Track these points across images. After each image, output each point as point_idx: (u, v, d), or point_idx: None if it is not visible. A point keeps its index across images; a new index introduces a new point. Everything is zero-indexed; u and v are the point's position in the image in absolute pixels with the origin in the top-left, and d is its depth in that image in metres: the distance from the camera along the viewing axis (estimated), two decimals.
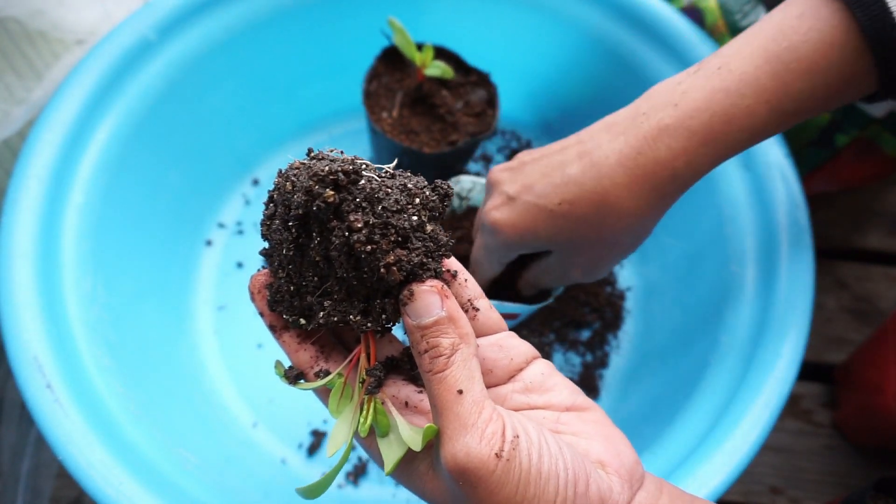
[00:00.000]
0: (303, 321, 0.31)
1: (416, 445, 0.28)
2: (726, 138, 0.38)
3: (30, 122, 0.55)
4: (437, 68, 0.53)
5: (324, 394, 0.33)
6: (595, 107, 0.62)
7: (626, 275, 0.62)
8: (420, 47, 0.53)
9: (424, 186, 0.29)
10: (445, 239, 0.30)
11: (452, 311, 0.29)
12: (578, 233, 0.40)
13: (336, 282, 0.29)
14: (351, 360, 0.31)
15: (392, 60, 0.57)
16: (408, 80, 0.56)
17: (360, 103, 0.55)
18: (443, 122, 0.54)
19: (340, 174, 0.28)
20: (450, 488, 0.28)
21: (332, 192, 0.27)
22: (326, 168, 0.27)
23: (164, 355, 0.54)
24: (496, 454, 0.27)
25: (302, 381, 0.32)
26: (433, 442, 0.28)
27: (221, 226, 0.63)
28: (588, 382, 0.58)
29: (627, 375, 0.58)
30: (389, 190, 0.28)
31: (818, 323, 0.65)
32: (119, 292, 0.51)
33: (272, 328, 0.34)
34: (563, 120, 0.66)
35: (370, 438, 0.31)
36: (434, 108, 0.55)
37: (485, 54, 0.59)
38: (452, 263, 0.32)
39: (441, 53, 0.56)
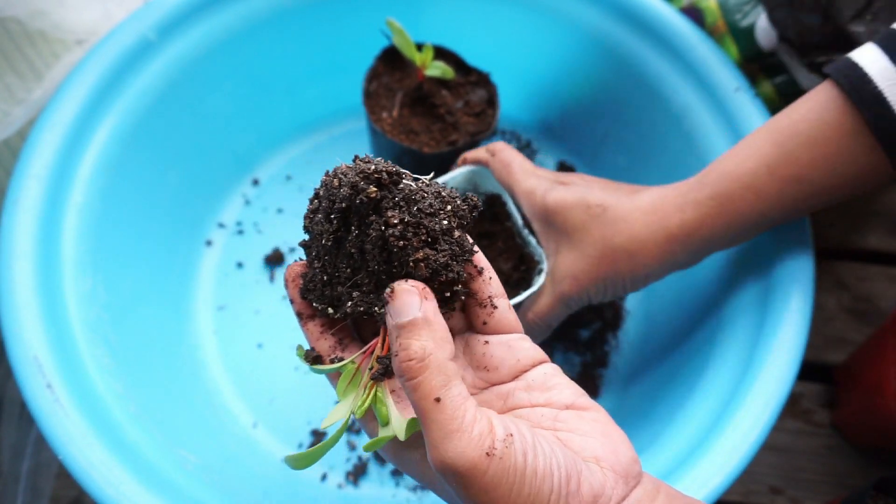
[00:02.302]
0: (330, 310, 0.33)
1: (401, 435, 0.29)
2: (731, 194, 0.42)
3: (30, 122, 0.55)
4: (437, 68, 0.53)
5: (335, 379, 0.34)
6: (595, 107, 0.62)
7: None
8: (420, 47, 0.53)
9: (456, 196, 0.32)
10: (470, 245, 0.32)
11: (429, 314, 0.29)
12: (593, 237, 0.44)
13: (366, 274, 0.32)
14: (366, 351, 0.32)
15: (392, 60, 0.57)
16: (408, 80, 0.56)
17: (360, 103, 0.55)
18: (443, 122, 0.54)
19: (384, 174, 0.30)
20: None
21: (374, 189, 0.30)
22: (372, 167, 0.30)
23: (164, 355, 0.54)
24: (487, 454, 0.27)
25: (319, 364, 0.34)
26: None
27: (221, 226, 0.63)
28: (588, 382, 0.58)
29: (627, 375, 0.58)
30: (425, 195, 0.31)
31: (818, 323, 0.65)
32: (119, 292, 0.51)
33: (299, 315, 0.36)
34: (562, 120, 0.66)
35: (372, 425, 0.32)
36: (434, 108, 0.55)
37: (485, 54, 0.59)
38: (480, 260, 0.33)
39: (441, 53, 0.56)
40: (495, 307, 0.33)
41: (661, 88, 0.56)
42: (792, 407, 0.63)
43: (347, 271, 0.32)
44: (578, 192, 0.45)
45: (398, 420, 0.30)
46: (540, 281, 0.47)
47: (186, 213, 0.60)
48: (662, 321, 0.58)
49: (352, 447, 0.55)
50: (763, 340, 0.46)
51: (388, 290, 0.29)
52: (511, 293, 0.48)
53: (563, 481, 0.27)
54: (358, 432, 0.55)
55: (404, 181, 0.31)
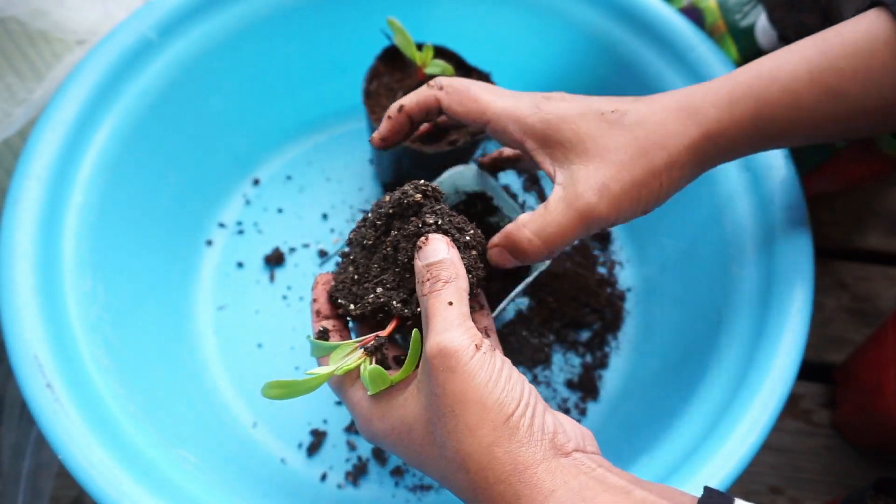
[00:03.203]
0: (352, 306, 0.38)
1: (374, 388, 0.34)
2: (769, 96, 0.39)
3: (30, 122, 0.55)
4: (437, 67, 0.53)
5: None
6: None
7: (627, 275, 0.62)
8: (420, 47, 0.53)
9: (476, 227, 0.39)
10: (481, 266, 0.38)
11: (454, 258, 0.35)
12: (619, 142, 0.38)
13: (393, 274, 0.37)
14: (365, 339, 0.36)
15: (392, 60, 0.57)
16: (408, 80, 0.56)
17: (360, 103, 0.55)
18: None
19: (430, 188, 0.38)
20: (421, 386, 0.33)
21: (420, 196, 0.37)
22: (421, 182, 0.38)
23: (164, 355, 0.54)
24: (476, 345, 0.31)
25: (325, 341, 0.38)
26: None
27: (222, 226, 0.63)
28: (588, 383, 0.58)
29: (627, 376, 0.58)
30: (456, 216, 0.38)
31: (818, 323, 0.65)
32: (119, 292, 0.51)
33: (317, 313, 0.40)
34: None
35: (345, 386, 0.37)
36: None
37: (485, 54, 0.59)
38: (482, 297, 0.40)
39: (441, 53, 0.56)
40: (487, 336, 0.37)
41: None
42: (792, 407, 0.63)
43: (377, 269, 0.38)
44: (581, 101, 0.40)
45: (368, 371, 0.34)
46: (543, 266, 0.46)
47: (187, 213, 0.60)
48: (662, 321, 0.58)
49: (352, 447, 0.55)
50: (763, 340, 0.46)
51: (422, 239, 0.35)
52: (499, 284, 0.48)
53: (532, 400, 0.31)
54: (358, 432, 0.55)
55: (443, 203, 0.38)
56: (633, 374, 0.58)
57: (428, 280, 0.34)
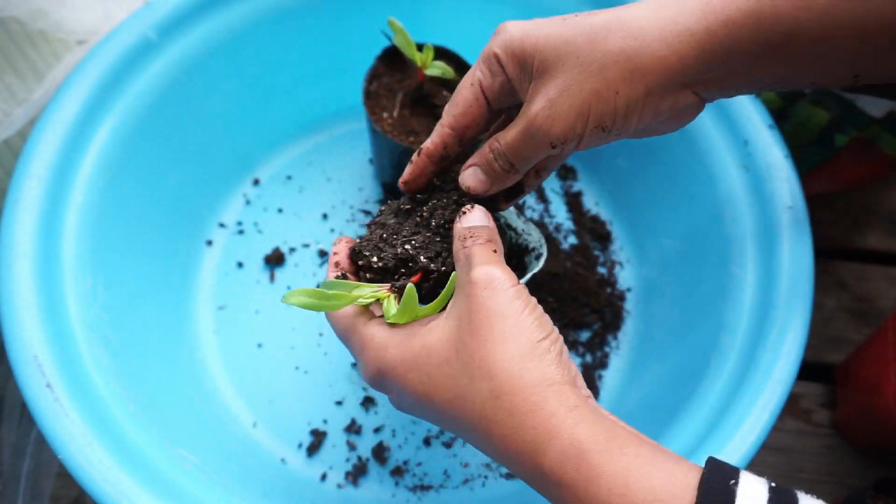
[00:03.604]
0: (374, 258, 0.39)
1: (400, 319, 0.35)
2: None
3: (31, 122, 0.55)
4: (437, 68, 0.53)
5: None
6: None
7: (626, 276, 0.62)
8: (420, 47, 0.53)
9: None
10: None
11: (494, 228, 0.37)
12: (574, 44, 0.34)
13: (423, 237, 0.39)
14: (389, 287, 0.37)
15: (392, 60, 0.57)
16: (408, 81, 0.56)
17: (360, 103, 0.55)
18: None
19: None
20: (451, 313, 0.34)
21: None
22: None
23: (164, 355, 0.54)
24: (512, 285, 0.33)
25: (345, 278, 0.39)
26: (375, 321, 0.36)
27: (222, 226, 0.63)
28: (588, 383, 0.58)
29: (627, 376, 0.58)
30: None
31: (818, 323, 0.66)
32: (119, 292, 0.51)
33: (335, 264, 0.40)
34: None
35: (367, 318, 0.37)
36: (435, 109, 0.55)
37: None
38: None
39: (441, 53, 0.56)
40: None
41: None
42: (792, 407, 0.63)
43: (407, 232, 0.39)
44: (552, 18, 0.36)
45: (393, 306, 0.36)
46: (538, 265, 0.44)
47: (187, 213, 0.60)
48: (662, 321, 0.58)
49: (352, 447, 0.55)
50: (763, 340, 0.46)
51: (467, 206, 0.38)
52: None
53: (560, 341, 0.33)
54: (358, 432, 0.55)
55: None
56: (633, 374, 0.58)
57: (469, 237, 0.35)
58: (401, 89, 0.56)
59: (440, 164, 0.40)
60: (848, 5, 0.32)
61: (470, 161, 0.39)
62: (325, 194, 0.65)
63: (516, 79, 0.36)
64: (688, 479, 0.28)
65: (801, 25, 0.32)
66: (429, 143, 0.40)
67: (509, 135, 0.36)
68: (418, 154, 0.40)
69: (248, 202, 0.64)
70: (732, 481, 0.27)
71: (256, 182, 0.65)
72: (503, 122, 0.41)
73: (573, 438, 0.30)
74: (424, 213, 0.40)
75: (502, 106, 0.39)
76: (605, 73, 0.33)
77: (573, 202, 0.65)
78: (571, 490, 0.29)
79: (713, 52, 0.33)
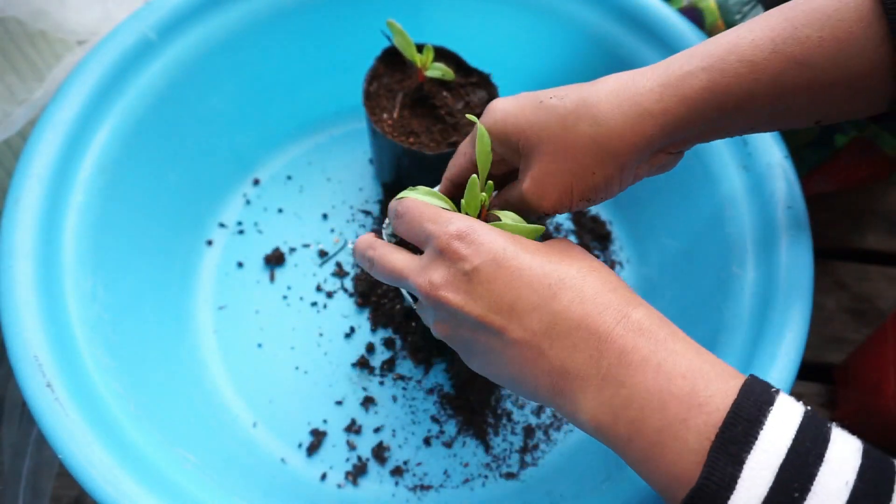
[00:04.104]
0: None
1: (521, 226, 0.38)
2: (724, 66, 0.36)
3: (31, 123, 0.55)
4: (437, 70, 0.53)
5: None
6: None
7: (626, 276, 0.62)
8: (420, 48, 0.53)
9: None
10: None
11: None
12: (550, 130, 0.38)
13: None
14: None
15: (393, 61, 0.57)
16: (408, 81, 0.56)
17: (360, 103, 0.55)
18: (443, 123, 0.54)
19: None
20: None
21: None
22: None
23: (164, 355, 0.54)
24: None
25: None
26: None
27: (222, 226, 0.63)
28: None
29: None
30: None
31: (817, 323, 0.66)
32: (119, 292, 0.51)
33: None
34: None
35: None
36: (435, 109, 0.55)
37: (486, 55, 0.59)
38: None
39: (442, 54, 0.56)
40: None
41: None
42: None
43: None
44: (529, 94, 0.40)
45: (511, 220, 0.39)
46: None
47: (187, 213, 0.60)
48: None
49: (351, 447, 0.55)
50: (763, 340, 0.46)
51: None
52: None
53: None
54: (358, 432, 0.55)
55: None
56: None
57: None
58: (401, 90, 0.56)
59: None
60: (796, 72, 0.35)
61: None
62: (325, 194, 0.65)
63: (506, 154, 0.41)
64: (735, 376, 0.30)
65: (753, 94, 0.36)
66: (453, 174, 0.44)
67: (512, 198, 0.41)
68: (446, 180, 0.45)
69: (248, 202, 0.64)
70: (774, 389, 0.29)
71: (256, 182, 0.65)
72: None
73: (641, 318, 0.32)
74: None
75: (498, 172, 0.43)
76: (578, 158, 0.37)
77: None
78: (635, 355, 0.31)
79: (674, 125, 0.37)
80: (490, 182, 0.40)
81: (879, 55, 0.35)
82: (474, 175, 0.39)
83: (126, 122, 0.53)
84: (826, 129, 0.57)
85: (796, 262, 0.48)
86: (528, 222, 0.40)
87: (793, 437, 0.27)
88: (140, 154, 0.55)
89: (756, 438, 0.27)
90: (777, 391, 0.29)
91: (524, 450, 0.55)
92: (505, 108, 0.40)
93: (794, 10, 0.36)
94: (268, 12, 0.59)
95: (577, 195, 0.39)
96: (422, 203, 0.38)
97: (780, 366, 0.45)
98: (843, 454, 0.27)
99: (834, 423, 0.28)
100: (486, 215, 0.40)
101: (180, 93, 0.57)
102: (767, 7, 0.54)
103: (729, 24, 0.56)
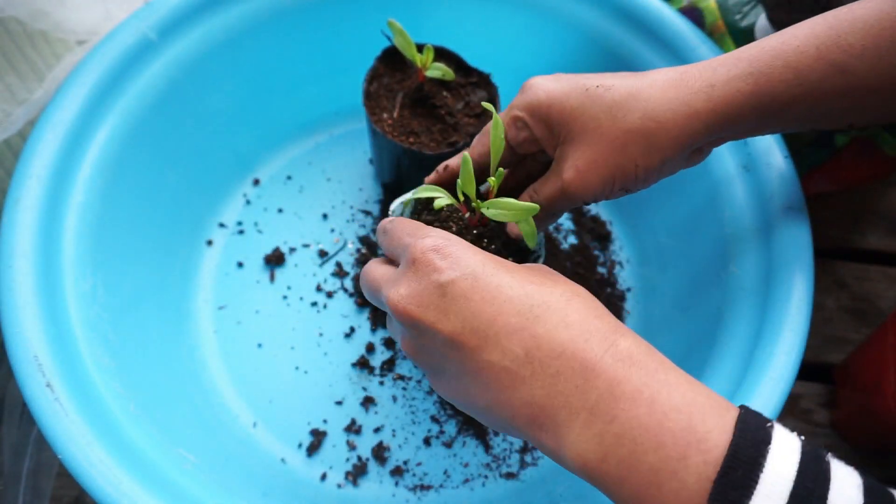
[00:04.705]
0: None
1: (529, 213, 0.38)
2: (770, 71, 0.37)
3: (31, 122, 0.55)
4: (437, 70, 0.53)
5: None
6: None
7: (626, 276, 0.62)
8: (421, 48, 0.53)
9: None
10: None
11: None
12: (598, 120, 0.39)
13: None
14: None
15: (393, 61, 0.57)
16: (408, 81, 0.56)
17: (360, 103, 0.55)
18: (443, 123, 0.54)
19: None
20: None
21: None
22: None
23: (164, 355, 0.54)
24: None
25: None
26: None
27: (222, 226, 0.63)
28: None
29: None
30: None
31: (817, 323, 0.66)
32: (119, 292, 0.51)
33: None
34: None
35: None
36: (435, 109, 0.55)
37: (486, 55, 0.59)
38: None
39: (442, 54, 0.56)
40: None
41: None
42: (791, 407, 0.63)
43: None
44: (570, 78, 0.41)
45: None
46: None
47: (187, 213, 0.60)
48: (662, 321, 0.58)
49: (351, 447, 0.55)
50: (762, 340, 0.46)
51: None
52: None
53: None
54: (358, 432, 0.55)
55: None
56: None
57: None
58: (401, 90, 0.56)
59: None
60: (838, 79, 0.37)
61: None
62: (325, 194, 0.65)
63: (542, 138, 0.41)
64: (728, 409, 0.28)
65: (795, 98, 0.38)
66: (454, 162, 0.45)
67: (545, 191, 0.41)
68: (445, 168, 0.45)
69: (248, 202, 0.64)
70: (769, 424, 0.27)
71: (256, 182, 0.65)
72: (523, 163, 0.46)
73: (630, 347, 0.30)
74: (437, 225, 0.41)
75: (525, 152, 0.44)
76: (626, 149, 0.39)
77: None
78: (623, 384, 0.29)
79: (719, 126, 0.38)
80: (501, 169, 0.40)
81: None
82: (465, 153, 0.39)
83: (126, 122, 0.53)
84: None
85: (796, 262, 0.48)
86: (552, 214, 0.42)
87: (794, 478, 0.25)
88: (140, 154, 0.55)
89: (757, 482, 0.25)
90: (772, 425, 0.27)
91: (524, 450, 0.55)
92: (548, 89, 0.40)
93: (838, 18, 0.37)
94: (268, 12, 0.59)
95: (618, 186, 0.40)
96: (406, 220, 0.38)
97: (781, 366, 0.45)
98: (846, 493, 0.26)
99: (830, 455, 0.27)
100: (492, 198, 0.40)
101: (180, 93, 0.57)
102: (768, 8, 0.54)
103: (729, 24, 0.56)
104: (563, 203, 0.41)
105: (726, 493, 0.25)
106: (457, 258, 0.32)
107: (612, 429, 0.28)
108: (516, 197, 0.43)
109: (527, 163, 0.45)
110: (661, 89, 0.38)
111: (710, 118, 0.38)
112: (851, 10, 0.38)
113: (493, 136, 0.40)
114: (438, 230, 0.35)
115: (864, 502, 0.25)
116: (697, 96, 0.38)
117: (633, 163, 0.39)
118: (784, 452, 0.26)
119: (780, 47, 0.38)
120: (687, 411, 0.27)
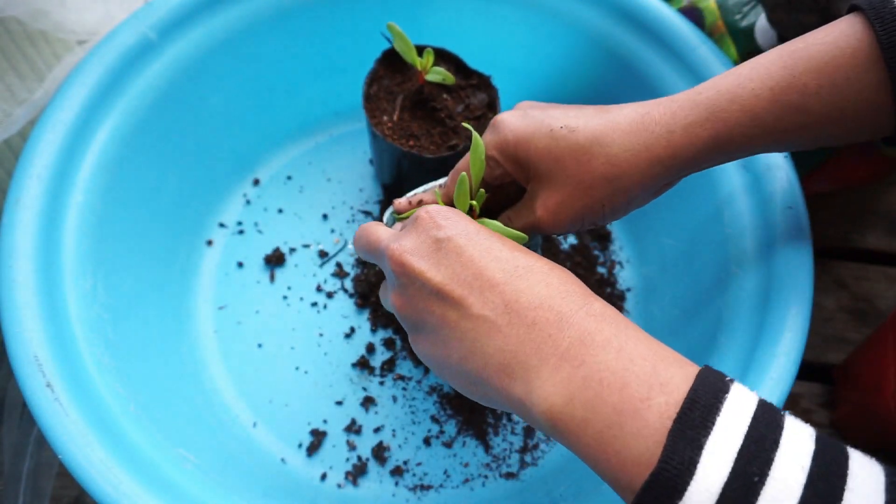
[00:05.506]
0: None
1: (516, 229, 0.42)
2: (727, 116, 0.38)
3: (31, 122, 0.55)
4: (437, 74, 0.53)
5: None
6: None
7: (626, 276, 0.62)
8: (421, 51, 0.53)
9: None
10: None
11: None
12: (563, 163, 0.41)
13: None
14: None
15: (392, 63, 0.57)
16: (408, 83, 0.56)
17: (360, 104, 0.55)
18: (443, 126, 0.54)
19: None
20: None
21: None
22: None
23: (164, 355, 0.54)
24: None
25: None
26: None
27: (222, 226, 0.63)
28: None
29: None
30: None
31: (817, 323, 0.66)
32: (119, 292, 0.51)
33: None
34: None
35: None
36: (434, 112, 0.55)
37: (486, 56, 0.59)
38: None
39: (442, 56, 0.56)
40: None
41: (662, 89, 0.56)
42: (791, 407, 0.63)
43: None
44: (536, 116, 0.42)
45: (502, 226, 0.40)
46: None
47: (187, 213, 0.60)
48: (662, 321, 0.58)
49: (351, 447, 0.55)
50: (762, 340, 0.46)
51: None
52: None
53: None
54: (358, 432, 0.55)
55: None
56: None
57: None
58: (401, 92, 0.56)
59: None
60: (795, 117, 0.38)
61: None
62: (325, 194, 0.65)
63: (515, 173, 0.43)
64: (692, 364, 0.30)
65: (754, 138, 0.39)
66: (427, 198, 0.46)
67: (518, 222, 0.43)
68: (418, 204, 0.46)
69: (248, 202, 0.64)
70: (728, 378, 0.29)
71: (256, 182, 0.65)
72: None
73: (603, 308, 0.32)
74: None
75: (497, 183, 0.45)
76: (592, 192, 0.40)
77: None
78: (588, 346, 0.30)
79: (681, 166, 0.40)
80: (482, 190, 0.42)
81: (879, 97, 0.37)
82: (463, 172, 0.40)
83: (126, 122, 0.53)
84: None
85: (796, 262, 0.48)
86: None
87: (748, 423, 0.27)
88: (140, 154, 0.55)
89: (713, 424, 0.27)
90: (731, 380, 0.29)
91: (524, 450, 0.55)
92: (515, 130, 0.42)
93: (793, 57, 0.38)
94: (268, 12, 0.59)
95: (587, 223, 0.42)
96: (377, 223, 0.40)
97: (780, 366, 0.45)
98: (798, 439, 0.27)
99: (787, 412, 0.28)
100: (474, 218, 0.41)
101: (180, 93, 0.57)
102: (768, 8, 0.54)
103: (729, 24, 0.56)
104: (535, 233, 0.44)
105: (684, 432, 0.27)
106: (456, 221, 0.35)
107: (580, 372, 0.29)
108: (496, 215, 0.45)
109: (505, 186, 0.47)
110: (623, 133, 0.40)
111: (672, 161, 0.39)
112: (807, 48, 0.38)
113: (472, 158, 0.42)
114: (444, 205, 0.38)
115: (815, 448, 0.27)
116: (658, 141, 0.39)
117: (599, 203, 0.41)
118: (741, 400, 0.28)
119: (736, 90, 0.39)
120: (652, 360, 0.29)
